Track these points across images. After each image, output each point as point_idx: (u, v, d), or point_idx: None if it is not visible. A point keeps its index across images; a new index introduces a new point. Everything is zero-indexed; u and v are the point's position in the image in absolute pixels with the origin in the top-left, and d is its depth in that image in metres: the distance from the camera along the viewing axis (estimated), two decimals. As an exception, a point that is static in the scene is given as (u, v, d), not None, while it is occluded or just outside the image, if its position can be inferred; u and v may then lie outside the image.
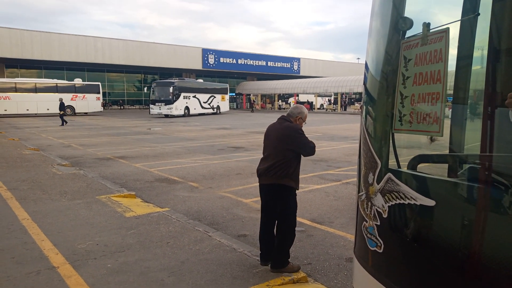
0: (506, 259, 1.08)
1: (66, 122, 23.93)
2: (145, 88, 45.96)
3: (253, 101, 53.18)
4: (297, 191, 3.76)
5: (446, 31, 1.27)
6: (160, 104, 33.42)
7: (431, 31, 1.32)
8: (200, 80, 41.55)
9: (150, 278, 3.52)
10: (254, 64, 53.64)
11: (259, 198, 3.96)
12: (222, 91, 42.04)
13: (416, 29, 1.39)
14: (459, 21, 1.50)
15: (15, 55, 36.87)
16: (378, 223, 1.45)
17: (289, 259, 3.73)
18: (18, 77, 40.10)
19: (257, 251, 3.96)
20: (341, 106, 47.34)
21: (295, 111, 3.73)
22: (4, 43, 36.02)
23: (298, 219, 5.40)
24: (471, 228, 1.20)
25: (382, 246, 1.43)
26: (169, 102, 33.19)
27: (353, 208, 6.08)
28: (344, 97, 49.41)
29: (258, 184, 3.85)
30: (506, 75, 1.33)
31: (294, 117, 3.70)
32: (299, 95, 51.14)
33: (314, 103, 50.17)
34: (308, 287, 3.50)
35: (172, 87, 33.39)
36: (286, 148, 3.56)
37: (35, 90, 33.55)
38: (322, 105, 52.94)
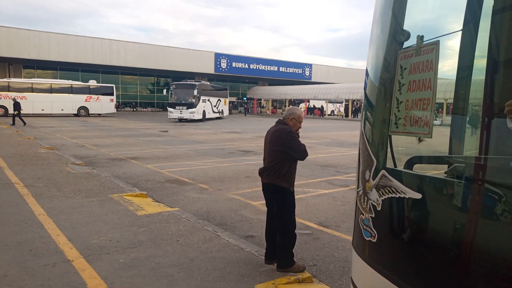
0: (485, 247, 1.20)
1: (25, 124, 22.46)
2: (164, 91, 43.51)
3: (245, 105, 53.88)
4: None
5: (437, 43, 1.40)
6: (181, 107, 30.24)
7: (424, 43, 1.45)
8: (207, 83, 38.70)
9: (160, 273, 3.65)
10: (266, 69, 53.93)
11: (266, 200, 4.09)
12: (223, 94, 38.37)
13: (412, 40, 1.51)
14: (457, 32, 1.61)
15: (33, 56, 37.81)
16: (373, 215, 1.59)
17: (294, 259, 3.83)
18: (34, 77, 41.07)
19: (264, 251, 4.07)
20: (352, 113, 47.22)
21: (287, 113, 3.93)
22: (23, 44, 36.99)
23: (305, 222, 5.54)
24: (453, 219, 1.35)
25: (376, 236, 1.56)
26: (191, 105, 30.02)
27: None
28: (355, 103, 49.31)
29: (265, 186, 4.00)
30: (504, 86, 1.43)
31: (286, 118, 3.88)
32: (310, 100, 51.16)
33: (325, 109, 50.16)
34: (313, 287, 3.59)
35: (195, 90, 30.17)
36: (277, 149, 3.73)
37: (51, 90, 34.22)
38: (332, 111, 52.85)
